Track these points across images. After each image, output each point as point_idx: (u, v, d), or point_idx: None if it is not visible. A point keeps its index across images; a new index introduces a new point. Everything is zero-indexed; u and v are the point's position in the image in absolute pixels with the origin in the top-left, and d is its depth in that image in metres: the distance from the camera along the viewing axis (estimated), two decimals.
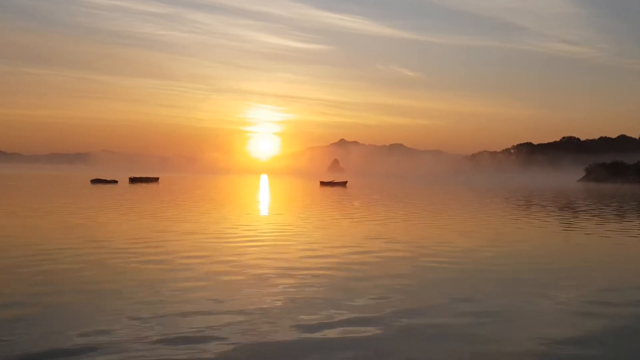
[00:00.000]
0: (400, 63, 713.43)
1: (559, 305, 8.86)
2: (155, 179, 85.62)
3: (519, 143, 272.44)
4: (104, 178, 78.30)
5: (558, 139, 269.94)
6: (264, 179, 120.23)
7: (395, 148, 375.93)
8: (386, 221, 23.19)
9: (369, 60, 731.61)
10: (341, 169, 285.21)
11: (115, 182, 71.84)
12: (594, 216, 27.40)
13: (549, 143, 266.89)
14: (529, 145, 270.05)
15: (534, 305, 8.82)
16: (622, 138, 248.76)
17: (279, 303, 8.84)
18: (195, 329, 7.30)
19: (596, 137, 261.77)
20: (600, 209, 33.08)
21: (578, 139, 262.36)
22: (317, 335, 7.11)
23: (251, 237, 17.03)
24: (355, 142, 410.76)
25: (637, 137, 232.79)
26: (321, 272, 11.45)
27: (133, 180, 79.83)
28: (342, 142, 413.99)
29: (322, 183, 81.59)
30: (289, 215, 25.70)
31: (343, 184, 79.80)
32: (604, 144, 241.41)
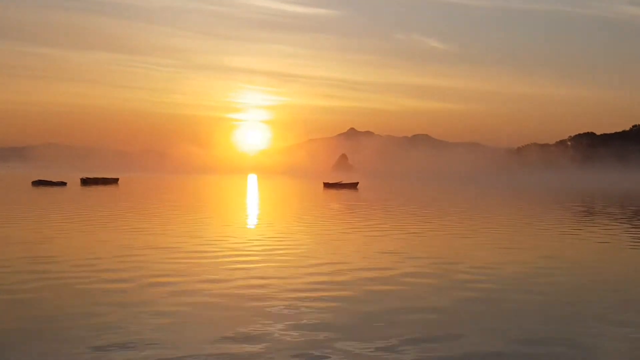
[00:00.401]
0: (426, 31, 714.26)
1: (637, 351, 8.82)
2: (114, 180, 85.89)
3: (577, 133, 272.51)
4: (48, 179, 78.58)
5: (627, 128, 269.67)
6: (252, 180, 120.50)
7: (420, 140, 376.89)
8: (408, 234, 23.29)
9: (386, 28, 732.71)
10: (350, 166, 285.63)
11: (63, 184, 72.12)
12: None
13: (615, 133, 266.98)
14: (590, 136, 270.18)
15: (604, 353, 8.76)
16: None
17: (269, 340, 8.84)
18: None
19: None
20: None
21: None
22: None
23: (231, 254, 17.14)
24: (368, 133, 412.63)
25: None
26: (323, 303, 11.43)
27: (86, 181, 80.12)
28: (352, 133, 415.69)
29: (327, 185, 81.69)
30: (282, 225, 25.94)
31: (353, 185, 79.92)
32: None
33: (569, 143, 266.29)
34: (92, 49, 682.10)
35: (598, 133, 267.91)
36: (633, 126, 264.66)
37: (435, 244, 20.34)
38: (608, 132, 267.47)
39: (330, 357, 8.14)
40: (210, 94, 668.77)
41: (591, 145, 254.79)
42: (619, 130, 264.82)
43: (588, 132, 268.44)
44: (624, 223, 29.43)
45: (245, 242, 20.05)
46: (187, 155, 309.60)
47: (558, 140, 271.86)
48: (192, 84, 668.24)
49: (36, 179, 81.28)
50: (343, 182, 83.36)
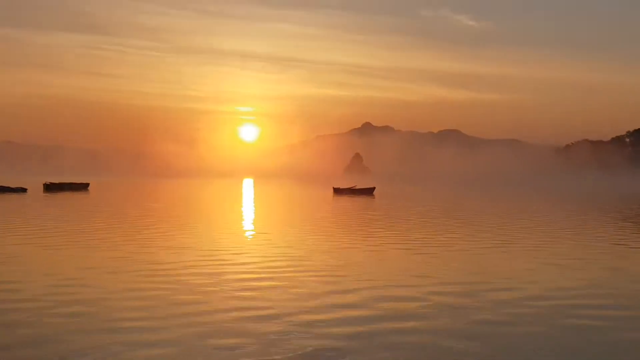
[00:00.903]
0: (457, 6, 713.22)
1: None
2: (84, 186, 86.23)
3: (636, 128, 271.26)
4: (5, 185, 78.83)
5: None
6: (247, 186, 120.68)
7: (449, 136, 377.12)
8: (439, 250, 23.20)
9: (409, 2, 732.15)
10: (365, 168, 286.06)
11: (23, 190, 72.40)
12: None
13: None
14: None
15: None
16: None
17: None
18: None
19: None
20: None
21: None
22: None
23: (222, 271, 17.04)
24: (387, 128, 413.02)
25: None
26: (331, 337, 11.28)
27: (50, 187, 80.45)
28: (368, 128, 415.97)
29: (337, 191, 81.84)
30: (282, 237, 26.03)
31: (368, 191, 79.99)
32: None
33: (626, 140, 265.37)
34: (55, 29, 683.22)
35: None
36: None
37: (471, 260, 20.20)
38: None
39: None
40: (197, 82, 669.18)
41: None
42: None
43: None
44: None
45: (243, 266, 19.92)
46: (169, 155, 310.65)
47: (614, 136, 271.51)
48: (175, 71, 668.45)
49: None
50: (356, 188, 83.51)
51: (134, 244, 24.22)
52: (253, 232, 30.09)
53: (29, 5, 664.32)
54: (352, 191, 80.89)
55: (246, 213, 44.28)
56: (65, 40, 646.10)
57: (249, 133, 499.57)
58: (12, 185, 78.65)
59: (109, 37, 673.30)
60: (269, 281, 16.46)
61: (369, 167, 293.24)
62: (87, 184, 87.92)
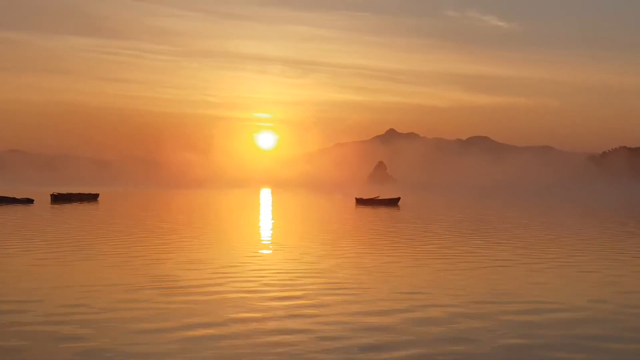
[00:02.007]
0: (484, 6, 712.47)
1: None
2: (93, 197, 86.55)
3: None
4: (10, 196, 79.33)
5: None
6: (265, 196, 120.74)
7: (477, 143, 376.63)
8: (472, 266, 22.98)
9: (434, 3, 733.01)
10: (389, 177, 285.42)
11: (29, 201, 72.73)
12: None
13: None
14: None
15: None
16: None
17: None
18: None
19: None
20: None
21: None
22: None
23: (242, 288, 16.90)
24: (412, 135, 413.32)
25: None
26: None
27: (57, 198, 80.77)
28: (392, 135, 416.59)
29: (360, 201, 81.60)
30: (304, 251, 25.91)
31: (393, 202, 79.72)
32: None
33: None
34: (63, 33, 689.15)
35: None
36: None
37: (523, 277, 19.98)
38: None
39: None
40: (213, 87, 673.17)
41: None
42: None
43: None
44: None
45: (266, 285, 19.78)
46: (183, 164, 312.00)
47: None
48: (190, 76, 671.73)
49: None
50: (380, 198, 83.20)
51: (147, 259, 24.19)
52: (273, 247, 29.97)
53: (36, 7, 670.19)
54: (375, 202, 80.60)
55: (264, 226, 44.19)
56: (75, 44, 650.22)
57: (266, 140, 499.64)
58: (18, 196, 79.06)
59: (120, 40, 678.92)
60: (298, 300, 16.29)
61: (393, 176, 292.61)
62: (97, 195, 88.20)
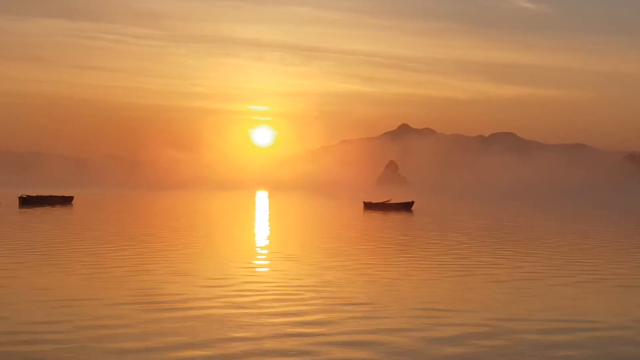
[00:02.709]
0: None
1: None
2: (68, 200, 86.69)
3: None
4: None
5: None
6: (261, 199, 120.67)
7: (501, 140, 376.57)
8: (509, 279, 22.92)
9: None
10: (401, 178, 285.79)
11: None
12: None
13: None
14: None
15: None
16: None
17: None
18: None
19: None
20: None
21: None
22: None
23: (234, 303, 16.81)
24: (427, 131, 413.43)
25: None
26: None
27: (26, 201, 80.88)
28: (404, 131, 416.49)
29: (368, 205, 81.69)
30: (306, 264, 25.90)
31: (406, 206, 79.72)
32: None
33: None
34: (37, 15, 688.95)
35: None
36: None
37: (582, 294, 19.90)
38: None
39: None
40: (204, 76, 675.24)
41: None
42: None
43: None
44: None
45: (258, 301, 19.71)
46: (169, 163, 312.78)
47: None
48: (178, 63, 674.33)
49: None
50: (391, 202, 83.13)
51: (127, 270, 24.17)
52: (270, 257, 29.93)
53: None
54: (386, 206, 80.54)
55: (260, 234, 44.20)
56: (48, 27, 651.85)
57: (262, 136, 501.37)
58: None
59: (100, 23, 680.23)
60: (298, 317, 16.22)
61: (406, 177, 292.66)
62: (71, 198, 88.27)
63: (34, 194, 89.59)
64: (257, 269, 25.54)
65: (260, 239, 39.90)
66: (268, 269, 25.66)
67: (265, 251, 32.60)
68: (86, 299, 18.57)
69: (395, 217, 62.42)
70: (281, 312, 16.94)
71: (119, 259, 27.83)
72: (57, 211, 66.07)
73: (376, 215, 65.56)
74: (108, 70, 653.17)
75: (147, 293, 19.59)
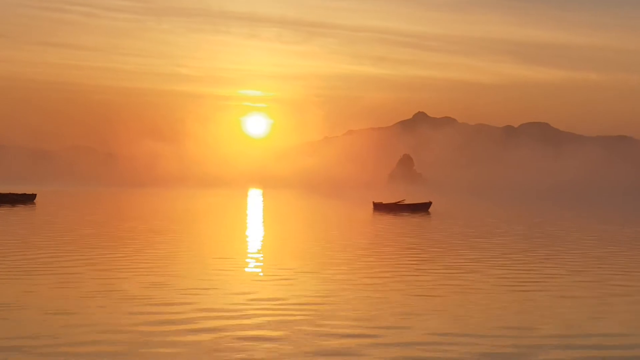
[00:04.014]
0: None
1: None
2: (30, 198, 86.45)
3: None
4: None
5: None
6: (254, 198, 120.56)
7: (533, 131, 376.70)
8: (544, 293, 22.69)
9: None
10: (417, 175, 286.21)
11: None
12: None
13: None
14: None
15: None
16: None
17: None
18: None
19: None
20: None
21: None
22: None
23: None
24: (447, 120, 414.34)
25: None
26: None
27: None
28: (421, 120, 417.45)
29: (378, 206, 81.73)
30: (302, 280, 25.59)
31: (422, 207, 79.80)
32: None
33: None
34: None
35: None
36: None
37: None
38: None
39: None
40: (189, 56, 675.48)
41: None
42: None
43: None
44: None
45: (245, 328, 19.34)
46: (148, 156, 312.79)
47: None
48: (158, 40, 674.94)
49: None
50: (405, 203, 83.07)
51: (96, 281, 23.88)
52: (264, 269, 29.81)
53: None
54: (399, 207, 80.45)
55: (252, 241, 44.19)
56: None
57: (256, 126, 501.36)
58: None
59: None
60: (297, 345, 15.82)
61: (423, 174, 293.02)
62: (34, 196, 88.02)
63: None
64: (248, 285, 25.12)
65: (253, 246, 39.81)
66: (261, 285, 25.30)
67: (259, 262, 32.30)
68: (45, 313, 18.24)
69: (411, 221, 62.42)
70: (274, 338, 16.56)
71: (87, 267, 27.49)
72: (18, 211, 65.92)
73: (388, 219, 65.46)
74: (76, 47, 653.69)
75: (115, 311, 19.18)
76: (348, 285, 24.99)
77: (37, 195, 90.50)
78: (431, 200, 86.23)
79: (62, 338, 16.33)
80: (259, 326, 18.00)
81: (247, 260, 33.01)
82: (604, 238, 46.46)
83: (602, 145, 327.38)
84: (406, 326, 18.31)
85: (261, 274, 28.32)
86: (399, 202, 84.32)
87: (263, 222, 61.83)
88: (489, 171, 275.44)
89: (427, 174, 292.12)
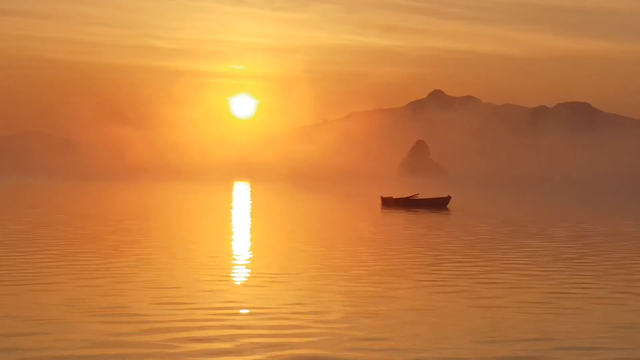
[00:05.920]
0: None
1: None
2: None
3: None
4: None
5: None
6: (240, 194, 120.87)
7: (571, 112, 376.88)
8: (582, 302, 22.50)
9: None
10: (433, 165, 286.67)
11: None
12: None
13: None
14: None
15: None
16: None
17: None
18: None
19: None
20: None
21: None
22: None
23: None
24: (469, 100, 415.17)
25: None
26: None
27: None
28: (438, 100, 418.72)
29: (387, 202, 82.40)
30: (298, 289, 25.31)
31: (439, 203, 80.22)
32: None
33: None
34: None
35: None
36: None
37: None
38: None
39: None
40: (165, 26, 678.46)
41: None
42: None
43: None
44: None
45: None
46: (114, 143, 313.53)
47: None
48: (127, 7, 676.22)
49: None
50: (419, 197, 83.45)
51: (50, 295, 23.65)
52: (252, 276, 29.86)
53: None
54: (412, 203, 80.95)
55: (240, 244, 44.46)
56: None
57: (242, 106, 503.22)
58: None
59: None
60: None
61: (440, 164, 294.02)
62: None
63: None
64: (236, 295, 24.97)
65: (240, 251, 39.83)
66: (251, 294, 25.16)
67: (247, 270, 32.20)
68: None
69: (426, 219, 62.82)
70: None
71: (39, 274, 27.22)
72: None
73: (399, 216, 65.87)
74: (26, 15, 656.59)
75: (77, 327, 19.07)
76: (350, 291, 24.84)
77: None
78: (450, 195, 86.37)
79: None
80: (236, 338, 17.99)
81: (233, 267, 33.08)
82: (632, 238, 46.66)
83: None
84: (418, 329, 18.27)
85: (247, 276, 28.95)
86: (412, 196, 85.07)
87: (251, 220, 62.30)
88: (518, 160, 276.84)
89: (445, 163, 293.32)
